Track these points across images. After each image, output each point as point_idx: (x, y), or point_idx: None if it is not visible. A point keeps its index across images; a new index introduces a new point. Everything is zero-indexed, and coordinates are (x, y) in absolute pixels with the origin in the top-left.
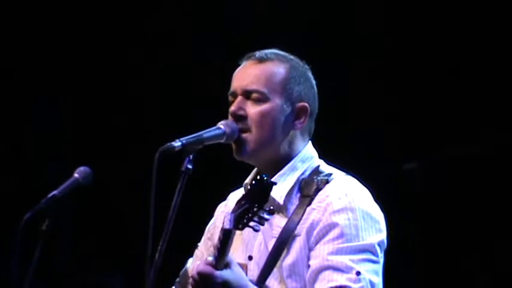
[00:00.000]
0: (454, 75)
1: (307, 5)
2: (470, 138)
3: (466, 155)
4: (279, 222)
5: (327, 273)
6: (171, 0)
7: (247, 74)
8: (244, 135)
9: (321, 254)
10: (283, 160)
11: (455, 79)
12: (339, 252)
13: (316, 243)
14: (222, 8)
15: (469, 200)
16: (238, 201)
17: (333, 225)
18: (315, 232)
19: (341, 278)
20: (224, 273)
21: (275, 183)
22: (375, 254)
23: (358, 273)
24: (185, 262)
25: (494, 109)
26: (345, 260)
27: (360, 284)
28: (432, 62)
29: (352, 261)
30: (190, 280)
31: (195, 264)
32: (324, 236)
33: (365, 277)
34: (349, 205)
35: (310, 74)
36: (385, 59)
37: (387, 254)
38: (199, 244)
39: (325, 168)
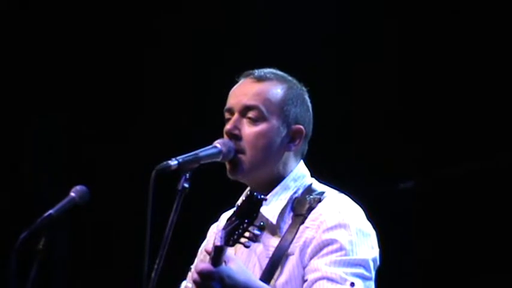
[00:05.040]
0: (453, 92)
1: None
2: (469, 157)
3: (464, 174)
4: (272, 242)
5: (321, 283)
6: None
7: (245, 91)
8: (239, 155)
9: (316, 267)
10: (276, 180)
11: (454, 96)
12: (332, 264)
13: (311, 259)
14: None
15: (466, 220)
16: (229, 218)
17: (327, 242)
18: (309, 250)
19: None
20: (225, 268)
21: (265, 199)
22: (367, 269)
23: (352, 284)
24: (179, 284)
25: (496, 127)
26: (339, 272)
27: None
28: (433, 78)
29: (346, 273)
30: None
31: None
32: (318, 252)
33: None
34: (342, 221)
35: (306, 97)
36: (384, 73)
37: (382, 273)
38: (192, 267)
39: (318, 186)
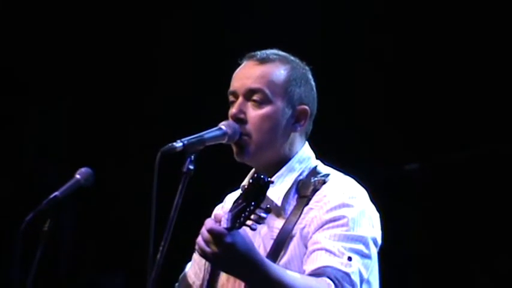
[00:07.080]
0: (458, 77)
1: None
2: (474, 141)
3: (469, 158)
4: (277, 224)
5: (319, 254)
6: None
7: (249, 74)
8: (244, 137)
9: (316, 239)
10: (282, 162)
11: (458, 81)
12: (333, 237)
13: (312, 234)
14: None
15: (471, 203)
16: (236, 201)
17: (329, 220)
18: (312, 228)
19: (332, 260)
20: (236, 234)
21: (272, 182)
22: (367, 247)
23: (349, 258)
24: (184, 266)
25: (498, 113)
26: (338, 245)
27: (351, 269)
28: (434, 63)
29: (345, 248)
30: (199, 239)
31: (207, 224)
32: (319, 228)
33: (356, 265)
34: (346, 202)
35: (310, 76)
36: (387, 59)
37: (388, 255)
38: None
39: (323, 168)
